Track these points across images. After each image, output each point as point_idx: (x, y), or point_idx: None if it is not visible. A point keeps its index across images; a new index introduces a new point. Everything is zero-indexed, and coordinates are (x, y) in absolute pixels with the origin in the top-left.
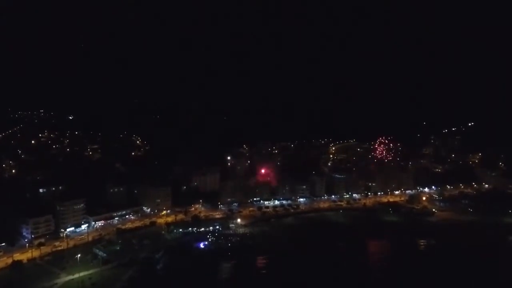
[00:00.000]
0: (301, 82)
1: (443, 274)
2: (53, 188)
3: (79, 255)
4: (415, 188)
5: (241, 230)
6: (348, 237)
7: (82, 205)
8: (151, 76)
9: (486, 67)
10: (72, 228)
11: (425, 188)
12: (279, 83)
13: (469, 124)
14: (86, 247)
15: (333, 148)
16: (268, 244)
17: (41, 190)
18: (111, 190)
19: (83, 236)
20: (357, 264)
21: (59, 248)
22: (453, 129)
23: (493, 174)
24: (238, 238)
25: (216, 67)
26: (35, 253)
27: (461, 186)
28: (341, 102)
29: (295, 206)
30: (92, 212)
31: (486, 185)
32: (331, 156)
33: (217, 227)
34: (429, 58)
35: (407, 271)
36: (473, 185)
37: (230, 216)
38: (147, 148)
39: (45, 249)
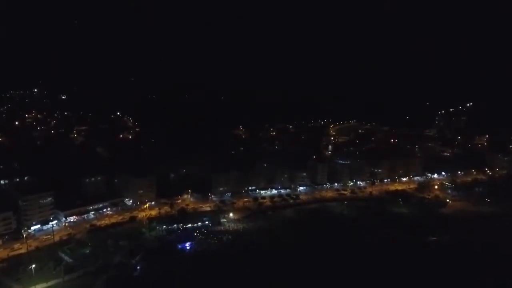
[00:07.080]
0: (296, 60)
1: (461, 276)
2: (17, 179)
3: (33, 265)
4: (424, 175)
5: (233, 226)
6: (355, 233)
7: (50, 199)
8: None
9: (486, 45)
10: (38, 226)
11: (434, 174)
12: (273, 62)
13: (468, 105)
14: (51, 249)
15: (333, 130)
16: (265, 243)
17: (2, 182)
18: (87, 180)
19: (49, 236)
20: (363, 263)
21: (18, 252)
22: (451, 109)
23: (505, 158)
24: (230, 237)
25: (215, 46)
26: None
27: (473, 172)
28: (339, 81)
29: (294, 196)
30: (63, 206)
31: (498, 170)
32: (331, 138)
33: (206, 222)
34: (428, 36)
35: (420, 272)
36: (486, 171)
37: (221, 209)
38: (137, 130)
39: (1, 253)
